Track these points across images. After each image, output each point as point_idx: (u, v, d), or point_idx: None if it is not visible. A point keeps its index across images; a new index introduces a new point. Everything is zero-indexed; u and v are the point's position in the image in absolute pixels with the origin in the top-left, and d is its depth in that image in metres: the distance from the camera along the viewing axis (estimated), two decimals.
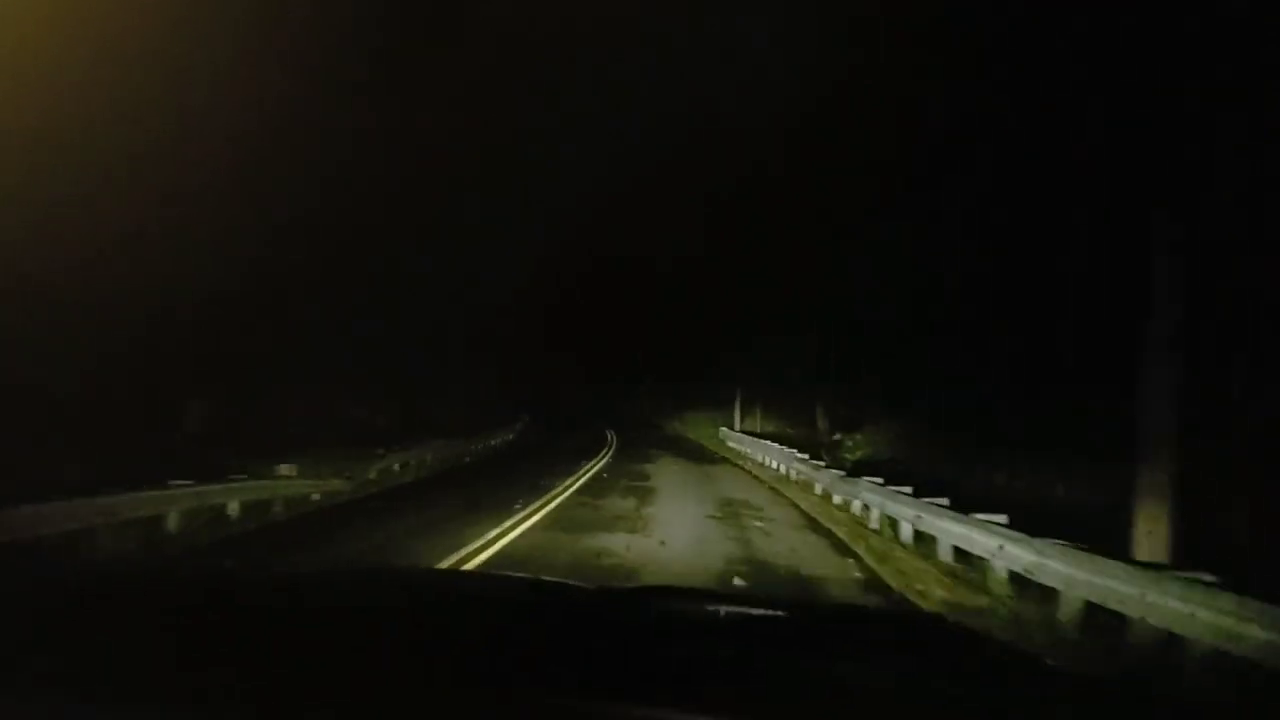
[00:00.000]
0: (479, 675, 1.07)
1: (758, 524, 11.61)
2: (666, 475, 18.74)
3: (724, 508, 13.25)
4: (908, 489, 11.46)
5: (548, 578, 2.06)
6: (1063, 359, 17.70)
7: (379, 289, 27.05)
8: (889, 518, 11.59)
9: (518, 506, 12.10)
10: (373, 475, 17.08)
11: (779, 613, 1.84)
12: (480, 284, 36.80)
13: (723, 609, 1.76)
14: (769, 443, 24.03)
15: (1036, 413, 17.82)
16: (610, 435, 36.68)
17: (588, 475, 17.96)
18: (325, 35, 17.38)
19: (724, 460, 25.62)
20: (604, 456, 24.31)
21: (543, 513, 11.81)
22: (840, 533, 11.39)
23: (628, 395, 62.54)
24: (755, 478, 19.96)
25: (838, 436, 23.50)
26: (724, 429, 34.91)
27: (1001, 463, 17.41)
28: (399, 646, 1.18)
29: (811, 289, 29.52)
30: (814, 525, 12.18)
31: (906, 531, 11.00)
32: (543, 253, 42.14)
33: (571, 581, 1.99)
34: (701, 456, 26.71)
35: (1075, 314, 17.42)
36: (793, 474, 19.42)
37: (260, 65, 15.84)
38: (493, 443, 28.65)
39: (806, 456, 18.61)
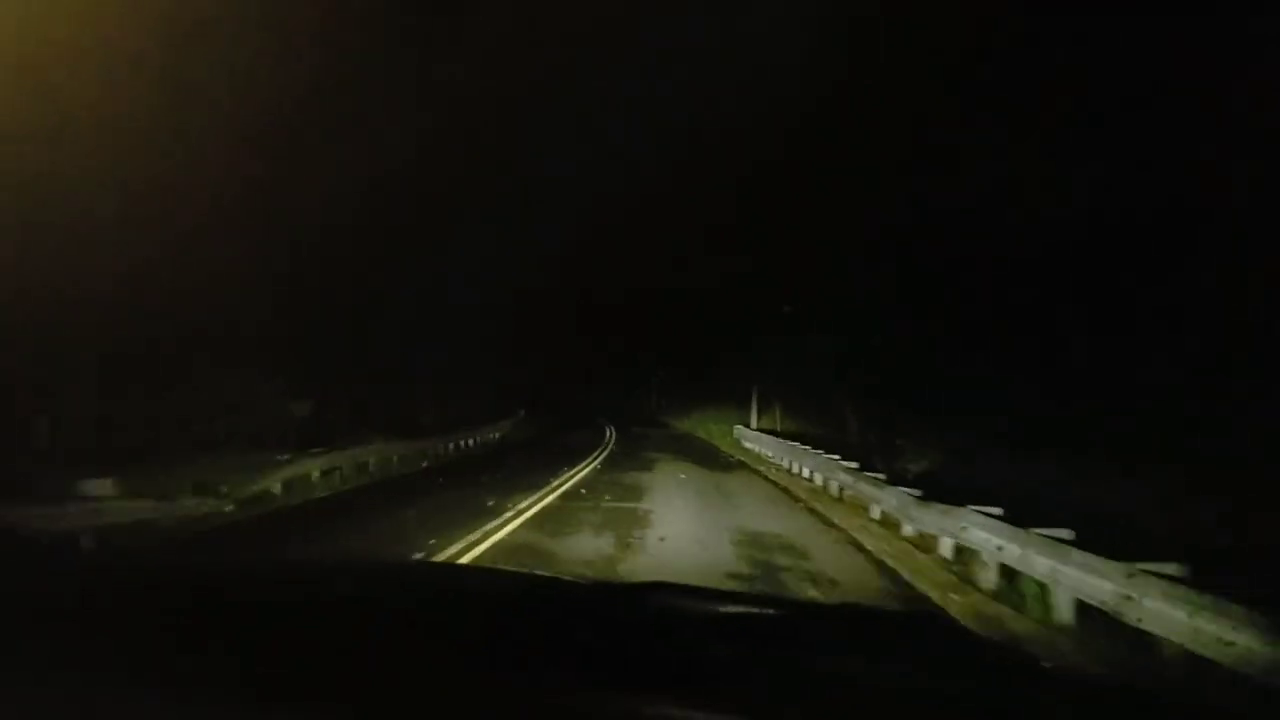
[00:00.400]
0: (474, 670, 1.04)
1: (813, 591, 6.94)
2: (668, 490, 14.08)
3: (750, 552, 8.61)
4: (1065, 533, 6.84)
5: (543, 573, 2.25)
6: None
7: (377, 287, 24.59)
8: (1039, 584, 6.91)
9: (418, 556, 7.52)
10: (275, 488, 12.64)
11: (779, 610, 1.83)
12: (486, 281, 34.66)
13: (723, 606, 1.67)
14: (796, 445, 19.38)
15: (1128, 416, 13.99)
16: (609, 433, 32.52)
17: (563, 489, 13.39)
18: (324, 33, 16.59)
19: (741, 465, 20.92)
20: (594, 460, 19.71)
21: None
22: (954, 607, 6.72)
23: (636, 391, 61.28)
24: (784, 491, 15.33)
25: (900, 442, 18.81)
26: (739, 427, 30.40)
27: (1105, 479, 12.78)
28: (395, 640, 1.14)
29: (818, 285, 28.93)
30: (903, 589, 7.50)
31: (1064, 605, 6.40)
32: (550, 250, 40.15)
33: (567, 577, 1.99)
34: (714, 461, 21.97)
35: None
36: (833, 487, 14.82)
37: (259, 62, 15.08)
38: (469, 442, 24.21)
39: (856, 466, 13.95)
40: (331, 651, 1.07)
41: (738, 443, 28.37)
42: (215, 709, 0.93)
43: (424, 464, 18.93)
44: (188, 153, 14.85)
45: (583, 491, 13.12)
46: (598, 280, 55.01)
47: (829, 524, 11.31)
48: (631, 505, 11.65)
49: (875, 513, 12.18)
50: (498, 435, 29.40)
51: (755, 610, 1.70)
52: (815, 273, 28.81)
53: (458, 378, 35.96)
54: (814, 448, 17.94)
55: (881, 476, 12.70)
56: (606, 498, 12.32)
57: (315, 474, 14.31)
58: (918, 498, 10.53)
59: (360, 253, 22.00)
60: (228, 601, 1.36)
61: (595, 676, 1.03)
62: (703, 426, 37.27)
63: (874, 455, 16.10)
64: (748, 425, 30.55)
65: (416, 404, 28.88)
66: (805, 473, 17.65)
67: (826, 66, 23.80)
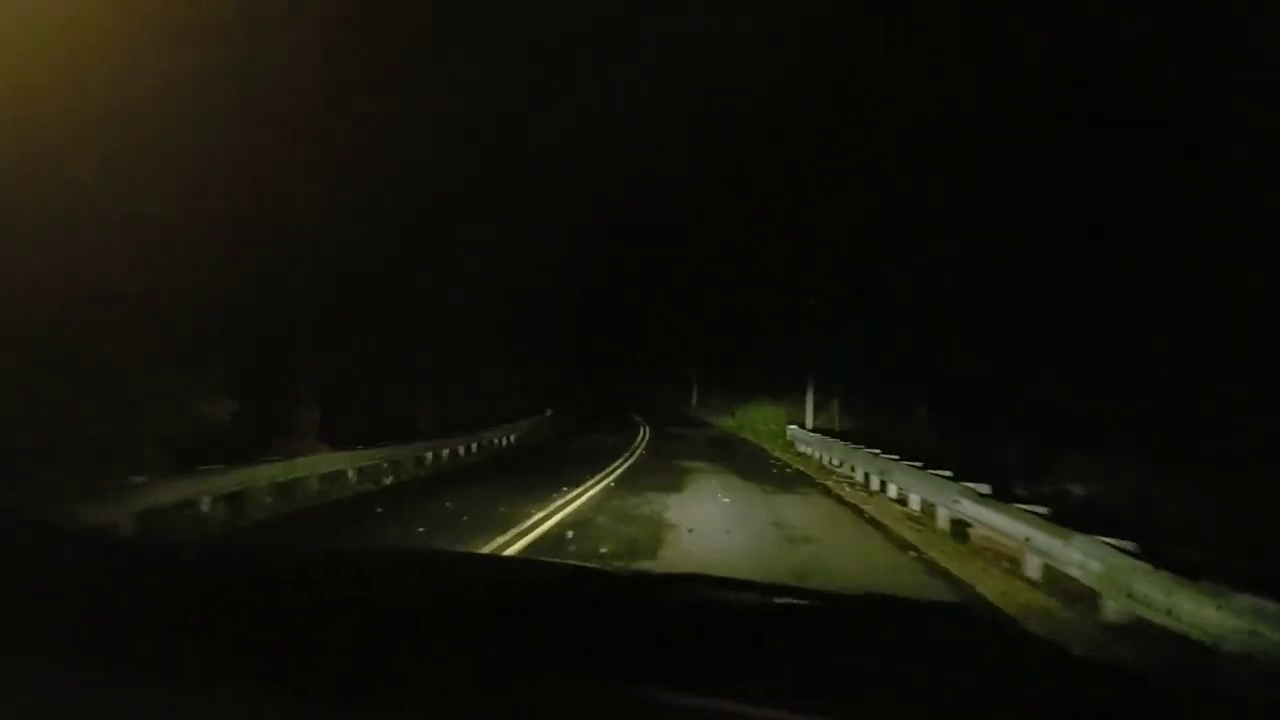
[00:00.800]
0: (504, 658, 1.02)
1: None
2: (701, 530, 9.31)
3: None
4: None
5: (573, 562, 2.00)
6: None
7: (372, 284, 21.81)
8: None
9: None
10: (125, 527, 8.42)
11: (811, 602, 1.76)
12: (499, 278, 31.48)
13: (754, 597, 1.63)
14: (877, 452, 14.64)
15: None
16: (642, 434, 28.24)
17: (544, 527, 8.91)
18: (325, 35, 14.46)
19: (802, 479, 16.19)
20: (610, 474, 15.21)
21: None
22: None
23: (674, 385, 57.76)
24: (873, 524, 10.65)
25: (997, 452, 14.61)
26: (792, 427, 25.76)
27: None
28: (409, 632, 1.12)
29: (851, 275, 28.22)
30: None
31: None
32: (577, 236, 37.14)
33: (598, 566, 1.89)
34: (765, 473, 17.22)
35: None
36: (941, 517, 10.28)
37: (256, 54, 13.58)
38: (466, 448, 20.01)
39: (988, 491, 9.26)
40: (362, 639, 1.05)
41: (791, 446, 23.75)
42: (221, 704, 0.92)
43: (388, 480, 14.66)
44: (193, 149, 12.97)
45: (569, 535, 8.52)
46: (638, 266, 51.37)
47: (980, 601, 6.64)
48: (641, 568, 7.05)
49: (1032, 569, 7.58)
50: (513, 437, 25.28)
51: (788, 602, 1.66)
52: (844, 264, 28.30)
53: (472, 376, 32.40)
54: (901, 457, 13.29)
55: (1041, 510, 7.99)
56: (603, 550, 7.74)
57: (204, 504, 10.15)
58: (1134, 555, 6.02)
59: (356, 251, 19.05)
60: (236, 596, 1.30)
61: (621, 664, 1.01)
62: (748, 426, 32.63)
63: (982, 468, 11.33)
64: (801, 424, 25.88)
65: (416, 404, 24.92)
66: (892, 491, 13.02)
67: (827, 64, 23.66)
